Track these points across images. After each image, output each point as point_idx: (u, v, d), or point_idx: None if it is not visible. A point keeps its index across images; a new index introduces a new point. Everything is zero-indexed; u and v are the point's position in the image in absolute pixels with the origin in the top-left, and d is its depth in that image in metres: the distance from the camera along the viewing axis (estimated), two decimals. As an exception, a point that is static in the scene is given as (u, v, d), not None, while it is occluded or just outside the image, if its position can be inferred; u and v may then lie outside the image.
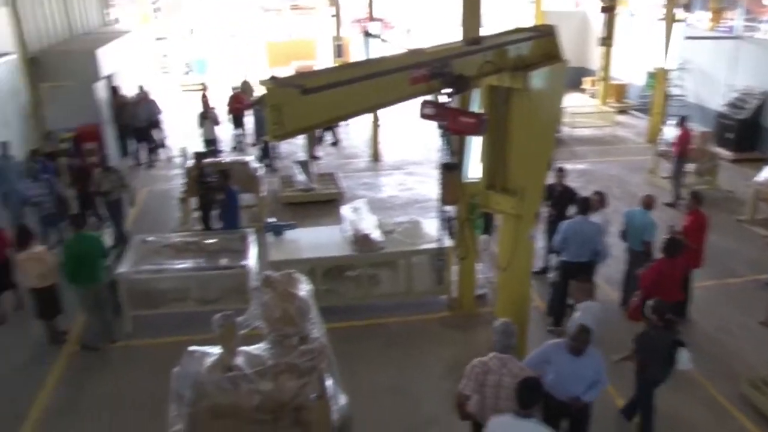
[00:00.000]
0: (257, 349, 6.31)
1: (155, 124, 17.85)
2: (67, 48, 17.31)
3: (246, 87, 19.53)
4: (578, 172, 15.81)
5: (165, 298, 9.64)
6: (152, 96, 18.09)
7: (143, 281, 9.56)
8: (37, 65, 15.59)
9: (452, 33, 17.55)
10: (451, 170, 6.97)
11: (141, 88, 18.14)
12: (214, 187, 11.68)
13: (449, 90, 5.81)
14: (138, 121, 17.23)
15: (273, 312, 6.18)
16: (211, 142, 16.93)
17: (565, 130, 19.40)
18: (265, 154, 16.80)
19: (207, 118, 16.91)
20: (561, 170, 10.83)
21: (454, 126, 5.96)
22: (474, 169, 8.12)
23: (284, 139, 4.76)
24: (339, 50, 21.00)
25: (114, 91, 17.90)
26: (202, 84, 19.74)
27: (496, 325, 6.20)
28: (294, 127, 4.55)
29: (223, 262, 9.81)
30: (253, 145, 17.81)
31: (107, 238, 10.94)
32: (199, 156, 12.82)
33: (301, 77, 4.93)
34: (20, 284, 9.59)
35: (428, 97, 6.00)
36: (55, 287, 9.17)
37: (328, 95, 4.56)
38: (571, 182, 11.64)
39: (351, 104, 4.97)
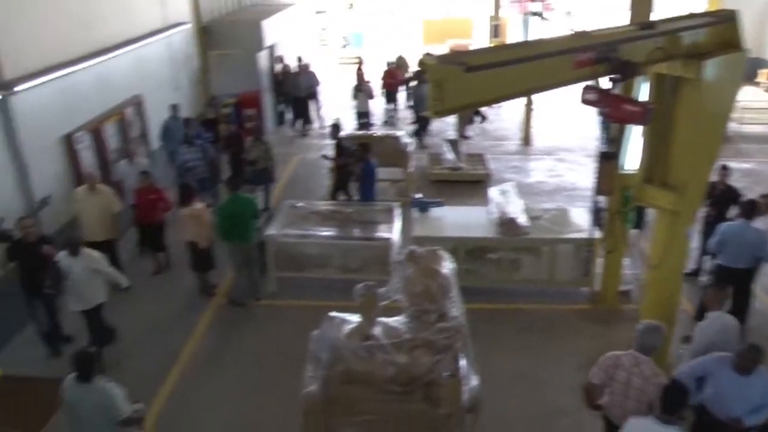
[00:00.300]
0: (395, 321, 6.39)
1: (313, 95, 18.39)
2: (235, 18, 18.25)
3: (401, 63, 19.68)
4: (743, 171, 14.70)
5: (309, 263, 10.00)
6: (312, 68, 18.61)
7: (289, 245, 9.96)
8: (208, 34, 16.55)
9: (614, 17, 16.82)
10: (609, 159, 6.71)
11: (300, 59, 18.73)
12: (353, 158, 11.90)
13: (615, 76, 5.56)
14: (298, 91, 17.83)
15: (414, 287, 6.23)
16: (363, 115, 17.30)
17: (732, 126, 18.09)
18: (419, 131, 16.82)
19: (361, 91, 17.27)
20: (725, 168, 10.13)
21: (617, 114, 5.71)
22: (631, 159, 7.75)
23: (443, 116, 4.77)
24: (495, 30, 20.64)
25: (277, 61, 18.62)
26: (358, 58, 20.08)
27: (641, 323, 5.94)
28: (454, 105, 4.53)
29: (368, 233, 10.02)
30: (413, 123, 17.77)
31: (259, 201, 11.44)
32: (335, 128, 13.04)
33: (464, 55, 4.89)
34: (180, 240, 10.24)
35: (590, 82, 5.78)
36: (210, 243, 9.77)
37: (490, 75, 4.50)
38: (735, 182, 10.86)
39: (512, 85, 4.87)
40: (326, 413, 6.44)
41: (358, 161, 11.67)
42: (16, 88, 9.04)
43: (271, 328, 9.30)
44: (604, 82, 5.75)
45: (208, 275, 10.11)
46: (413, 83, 16.46)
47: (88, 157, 11.04)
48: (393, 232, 9.93)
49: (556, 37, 5.77)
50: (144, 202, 10.30)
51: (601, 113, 6.02)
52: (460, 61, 4.29)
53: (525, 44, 5.59)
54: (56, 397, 8.03)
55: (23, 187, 9.42)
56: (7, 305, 8.83)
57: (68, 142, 10.55)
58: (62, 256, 8.00)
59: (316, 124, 18.53)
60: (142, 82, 13.29)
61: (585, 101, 5.77)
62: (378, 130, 16.74)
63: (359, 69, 18.89)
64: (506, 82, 4.76)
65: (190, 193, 9.74)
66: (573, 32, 5.82)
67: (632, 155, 7.72)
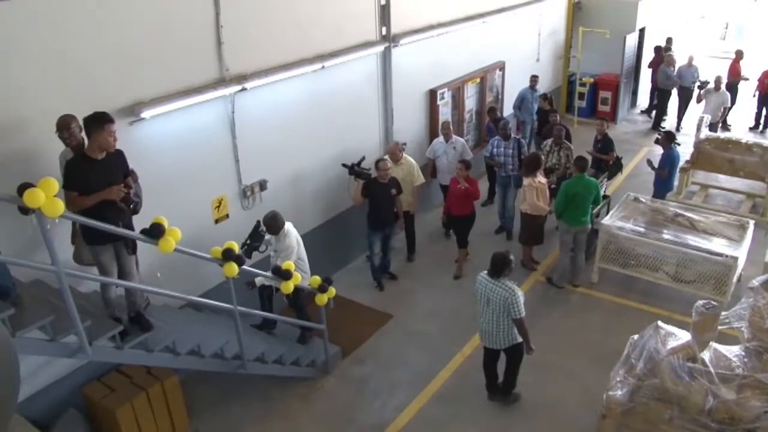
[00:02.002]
0: (729, 351, 5.81)
1: (687, 90, 16.49)
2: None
3: (787, 62, 17.08)
4: None
5: (638, 262, 9.37)
6: (696, 61, 16.73)
7: (622, 238, 9.39)
8: (578, 9, 16.28)
9: None
10: None
11: (670, 48, 17.18)
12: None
13: None
14: (668, 82, 16.29)
15: (763, 320, 5.57)
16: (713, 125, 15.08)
17: None
18: None
19: (717, 90, 15.08)
20: None
21: None
22: None
23: None
24: None
25: (657, 49, 17.31)
26: (738, 51, 17.85)
27: None
28: None
29: (712, 246, 9.03)
30: None
31: (602, 187, 10.99)
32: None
33: None
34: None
35: None
36: (541, 219, 9.82)
37: None
38: None
39: None
40: (624, 422, 6.16)
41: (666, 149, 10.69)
42: (401, 41, 9.96)
43: (581, 316, 9.05)
44: None
45: (532, 249, 10.16)
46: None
47: (446, 114, 11.69)
48: (741, 251, 8.89)
49: None
50: (455, 191, 9.76)
51: None
52: None
53: None
54: (373, 324, 8.91)
55: (386, 132, 10.34)
56: (351, 233, 9.89)
57: (432, 96, 11.26)
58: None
59: (670, 119, 17.00)
60: (506, 50, 13.58)
61: None
62: (743, 136, 14.73)
63: (735, 63, 16.86)
64: None
65: (536, 163, 9.66)
66: None
67: None
